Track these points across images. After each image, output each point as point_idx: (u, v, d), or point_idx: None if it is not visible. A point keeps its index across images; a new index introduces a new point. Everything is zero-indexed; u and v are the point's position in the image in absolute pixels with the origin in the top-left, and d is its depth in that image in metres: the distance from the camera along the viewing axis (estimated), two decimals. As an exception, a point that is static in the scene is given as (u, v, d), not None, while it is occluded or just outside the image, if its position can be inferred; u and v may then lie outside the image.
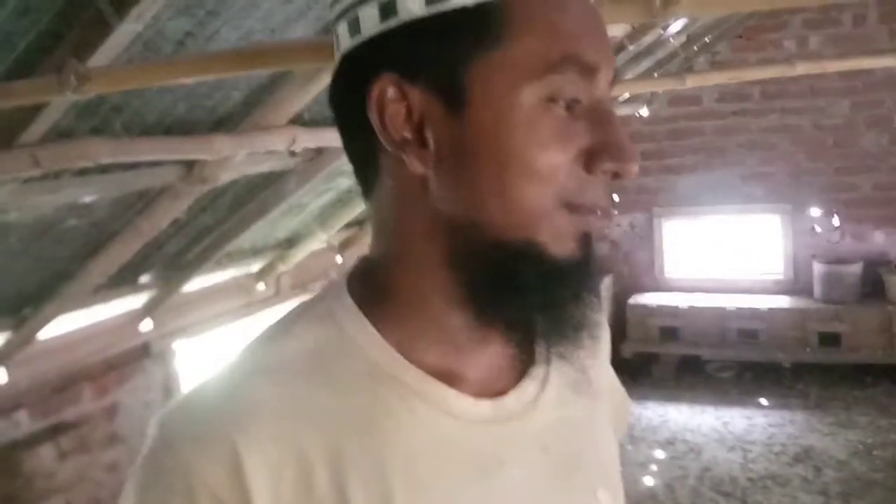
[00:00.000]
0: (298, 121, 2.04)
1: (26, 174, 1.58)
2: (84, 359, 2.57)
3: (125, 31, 1.32)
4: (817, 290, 4.89)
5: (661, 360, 5.05)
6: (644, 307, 5.11)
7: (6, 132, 1.47)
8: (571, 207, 0.53)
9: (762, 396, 4.68)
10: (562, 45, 0.51)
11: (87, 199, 1.88)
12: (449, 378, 0.57)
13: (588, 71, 0.52)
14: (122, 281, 2.48)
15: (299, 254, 3.21)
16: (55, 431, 2.48)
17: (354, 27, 0.54)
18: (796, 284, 5.12)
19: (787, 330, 4.83)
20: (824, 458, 3.83)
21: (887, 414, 4.27)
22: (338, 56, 0.57)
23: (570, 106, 0.52)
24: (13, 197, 1.66)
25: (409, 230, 0.56)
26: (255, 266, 3.19)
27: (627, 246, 5.44)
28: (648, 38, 3.25)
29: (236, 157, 1.95)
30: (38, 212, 1.84)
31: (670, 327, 5.06)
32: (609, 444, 0.69)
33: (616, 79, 0.57)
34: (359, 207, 3.19)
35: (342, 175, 2.77)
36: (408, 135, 0.53)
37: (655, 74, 4.01)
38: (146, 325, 2.73)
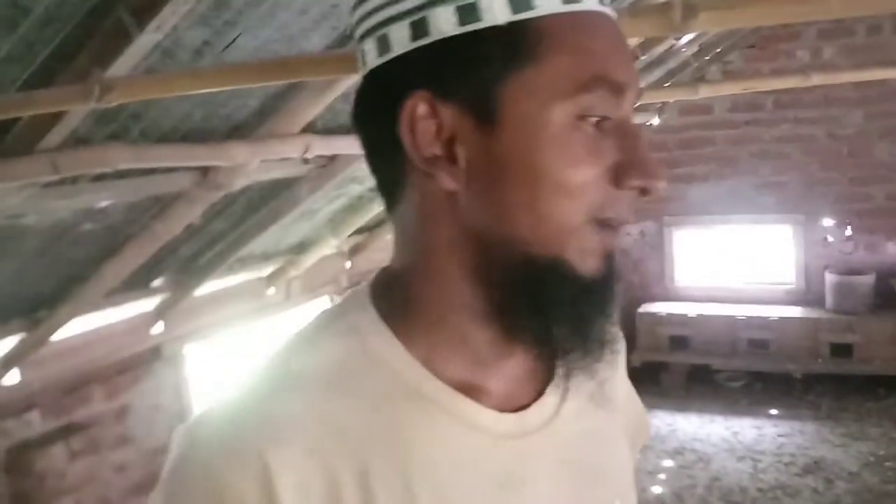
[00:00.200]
0: (312, 129, 2.06)
1: (45, 179, 1.60)
2: (96, 361, 2.59)
3: (145, 41, 1.34)
4: (829, 300, 4.86)
5: (671, 369, 5.02)
6: (654, 316, 5.09)
7: (26, 138, 1.50)
8: (599, 223, 0.54)
9: (772, 407, 4.65)
10: (593, 65, 0.52)
11: (103, 203, 1.90)
12: (472, 392, 0.57)
13: (617, 90, 0.53)
14: (135, 284, 2.50)
15: (310, 259, 3.23)
16: (66, 432, 2.50)
17: (384, 45, 0.55)
18: (808, 295, 5.09)
19: (798, 340, 4.80)
20: (835, 470, 3.80)
21: (900, 426, 4.25)
22: (363, 73, 0.57)
23: (599, 123, 0.53)
24: (31, 201, 1.68)
25: (435, 244, 0.56)
26: (267, 271, 3.21)
27: (638, 255, 5.42)
28: (660, 48, 3.25)
29: (251, 164, 1.97)
30: (55, 216, 1.86)
31: (680, 336, 5.04)
32: (624, 455, 0.70)
33: (639, 97, 0.58)
34: (369, 214, 3.21)
35: (353, 182, 2.79)
36: (438, 151, 0.54)
37: (666, 84, 4.01)
38: (158, 328, 2.75)
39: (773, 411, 4.60)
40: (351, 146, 2.22)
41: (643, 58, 3.22)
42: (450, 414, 0.56)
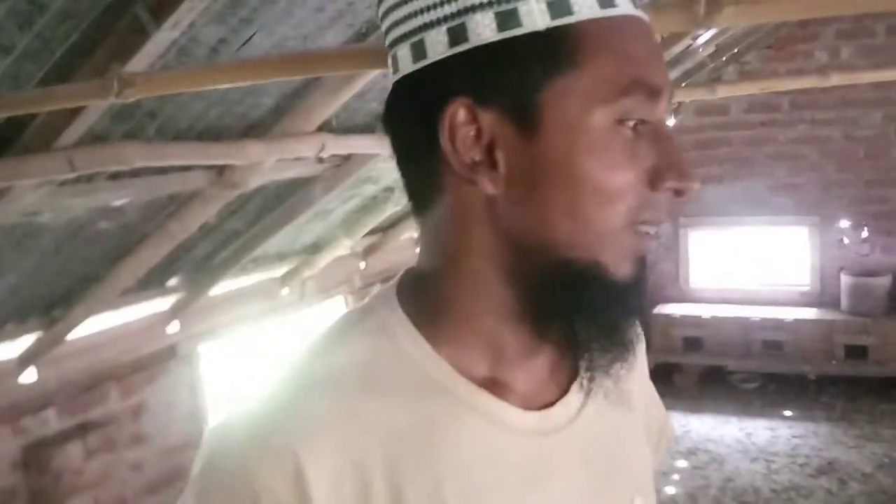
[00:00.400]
0: (327, 128, 2.06)
1: (61, 177, 1.60)
2: (112, 359, 2.60)
3: (162, 38, 1.34)
4: (844, 302, 4.82)
5: (685, 370, 4.99)
6: (668, 317, 5.05)
7: (43, 136, 1.50)
8: (636, 225, 0.55)
9: (786, 408, 4.62)
10: (632, 70, 0.53)
11: (119, 202, 1.91)
12: (498, 390, 0.58)
13: (653, 93, 0.54)
14: (151, 284, 2.51)
15: (324, 259, 3.23)
16: (83, 430, 2.52)
17: (419, 51, 0.55)
18: (823, 296, 5.04)
19: (812, 342, 4.77)
20: (849, 471, 3.78)
21: (914, 428, 4.22)
22: (395, 79, 0.58)
23: (635, 127, 0.54)
24: (47, 199, 1.69)
25: (470, 247, 0.57)
26: (281, 271, 3.21)
27: (652, 256, 5.39)
28: (678, 48, 3.23)
29: (266, 163, 1.97)
30: (70, 214, 1.87)
31: (694, 337, 5.01)
32: (644, 454, 0.71)
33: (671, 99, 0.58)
34: (383, 214, 3.21)
35: (368, 182, 2.79)
36: (478, 157, 0.54)
37: (683, 84, 3.98)
38: (173, 327, 2.76)
39: (787, 413, 4.57)
40: (366, 146, 2.22)
41: (659, 57, 3.19)
42: (477, 411, 0.56)
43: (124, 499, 2.63)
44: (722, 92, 2.58)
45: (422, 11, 0.54)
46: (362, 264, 3.60)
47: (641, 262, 0.57)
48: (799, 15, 0.94)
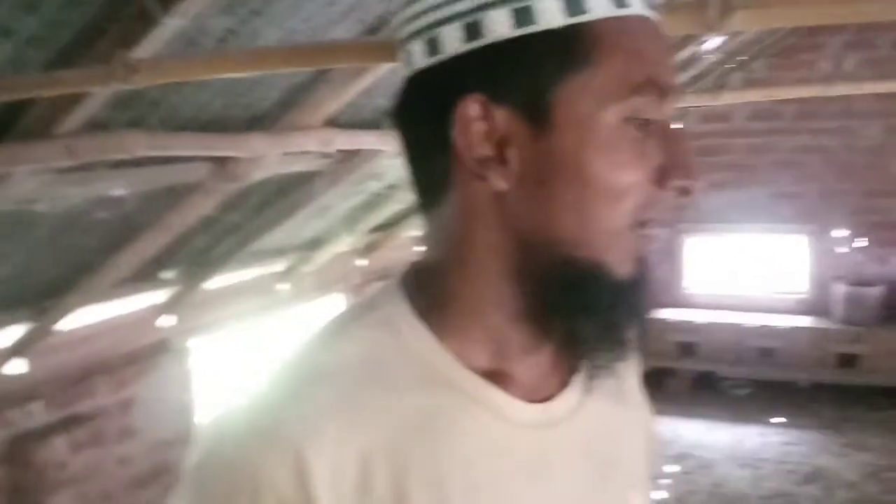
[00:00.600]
0: (334, 122, 2.02)
1: (61, 164, 1.56)
2: (103, 352, 2.56)
3: (169, 27, 1.31)
4: (838, 311, 4.86)
5: (677, 375, 5.02)
6: (662, 322, 5.07)
7: (43, 122, 1.46)
8: (640, 224, 0.56)
9: (777, 415, 4.65)
10: (645, 68, 0.53)
11: (118, 192, 1.86)
12: (500, 382, 0.58)
13: (663, 93, 0.55)
14: (145, 276, 2.47)
15: (323, 255, 3.19)
16: (70, 423, 2.47)
17: (433, 47, 0.55)
18: (817, 305, 5.08)
19: (805, 349, 4.81)
20: (836, 479, 3.82)
21: (901, 437, 4.25)
22: (408, 73, 0.57)
23: (643, 125, 0.54)
24: (45, 187, 1.65)
25: (475, 243, 0.57)
26: (279, 266, 3.17)
27: (650, 259, 5.37)
28: (684, 54, 3.21)
29: (269, 157, 1.92)
30: (67, 203, 1.82)
31: (688, 343, 5.05)
32: (641, 450, 0.72)
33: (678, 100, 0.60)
34: (385, 212, 3.17)
35: (371, 179, 2.75)
36: (489, 153, 0.54)
37: (689, 90, 3.97)
38: (167, 320, 2.71)
39: (778, 420, 4.60)
40: (373, 141, 2.18)
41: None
42: (480, 403, 0.57)
43: (111, 494, 2.59)
44: (727, 98, 2.59)
45: (438, 7, 0.54)
46: (363, 262, 3.56)
47: (643, 263, 0.58)
48: (809, 21, 0.95)
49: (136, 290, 2.50)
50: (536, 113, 0.53)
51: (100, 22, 1.30)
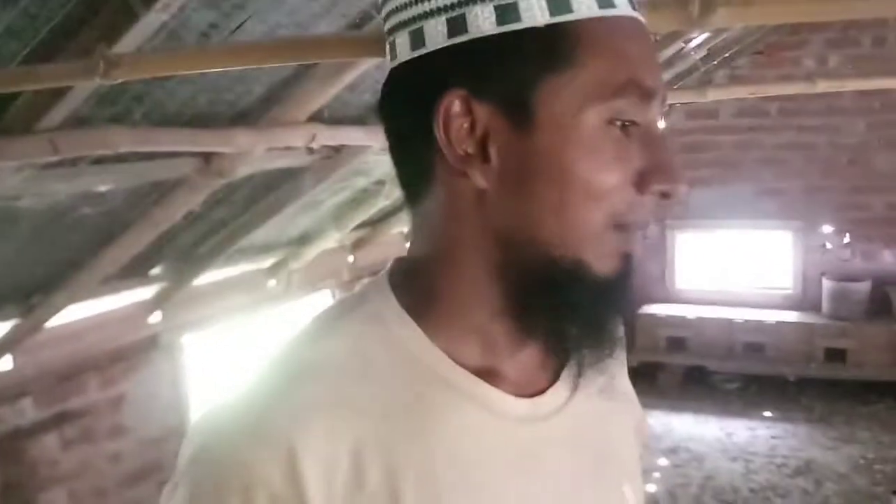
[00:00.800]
0: (319, 118, 2.02)
1: (44, 160, 1.56)
2: (92, 348, 2.56)
3: (151, 20, 1.31)
4: (825, 306, 4.90)
5: (668, 369, 5.04)
6: (652, 317, 5.10)
7: (25, 117, 1.46)
8: (620, 227, 0.55)
9: (766, 409, 4.69)
10: (627, 70, 0.53)
11: (103, 188, 1.86)
12: (489, 377, 0.58)
13: (647, 95, 0.55)
14: (133, 272, 2.47)
15: (311, 252, 3.20)
16: (60, 420, 2.47)
17: (417, 40, 0.55)
18: (804, 300, 5.12)
19: (793, 344, 4.84)
20: (825, 472, 3.86)
21: (889, 430, 4.29)
22: (392, 66, 0.57)
23: (626, 128, 0.54)
24: (29, 183, 1.65)
25: (458, 240, 0.57)
26: (267, 262, 3.18)
27: (639, 255, 5.39)
28: (670, 51, 3.23)
29: (255, 152, 1.93)
30: (52, 199, 1.82)
31: (678, 338, 5.08)
32: (630, 444, 0.72)
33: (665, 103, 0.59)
34: (373, 208, 3.18)
35: (358, 174, 2.76)
36: (471, 150, 0.54)
37: (675, 87, 4.00)
38: (155, 317, 2.72)
39: (767, 413, 4.63)
40: (358, 137, 2.19)
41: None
42: (470, 398, 0.57)
43: (102, 491, 2.59)
44: (713, 95, 2.60)
45: (422, 0, 0.54)
46: (351, 258, 3.57)
47: (627, 260, 0.57)
48: (790, 18, 0.95)
49: (124, 287, 2.50)
50: (518, 111, 0.53)
51: (81, 15, 1.30)
